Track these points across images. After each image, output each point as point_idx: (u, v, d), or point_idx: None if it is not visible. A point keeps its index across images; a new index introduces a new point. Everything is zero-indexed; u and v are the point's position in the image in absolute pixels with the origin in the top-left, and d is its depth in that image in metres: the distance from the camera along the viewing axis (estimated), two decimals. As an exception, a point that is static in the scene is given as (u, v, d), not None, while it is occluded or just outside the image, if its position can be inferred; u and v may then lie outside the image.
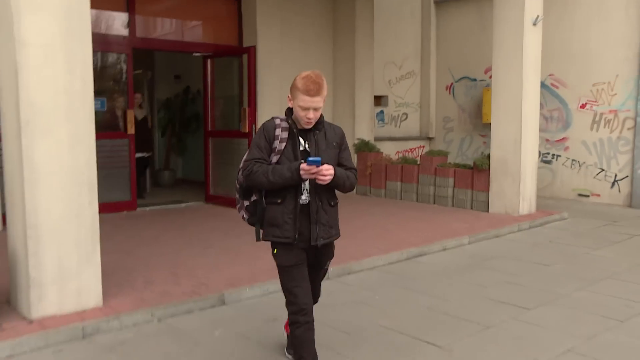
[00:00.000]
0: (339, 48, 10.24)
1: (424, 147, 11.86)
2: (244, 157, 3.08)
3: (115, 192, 7.98)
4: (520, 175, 7.91)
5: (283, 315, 3.44)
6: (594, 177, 9.73)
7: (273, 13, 9.29)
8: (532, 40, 7.86)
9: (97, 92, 8.18)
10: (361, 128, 10.18)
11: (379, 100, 11.38)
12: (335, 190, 3.09)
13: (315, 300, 3.24)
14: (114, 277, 4.81)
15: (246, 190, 3.09)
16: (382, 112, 11.44)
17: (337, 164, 3.04)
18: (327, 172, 2.83)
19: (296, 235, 2.95)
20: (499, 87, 8.05)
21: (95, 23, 7.95)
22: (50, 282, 3.94)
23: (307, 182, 2.94)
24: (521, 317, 4.28)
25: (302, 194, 2.97)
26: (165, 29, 8.95)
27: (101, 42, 7.94)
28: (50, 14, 3.86)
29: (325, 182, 2.85)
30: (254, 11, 9.12)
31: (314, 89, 2.85)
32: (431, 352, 3.67)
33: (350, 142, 10.11)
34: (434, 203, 8.98)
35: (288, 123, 2.99)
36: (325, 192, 3.01)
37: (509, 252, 6.31)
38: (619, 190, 9.43)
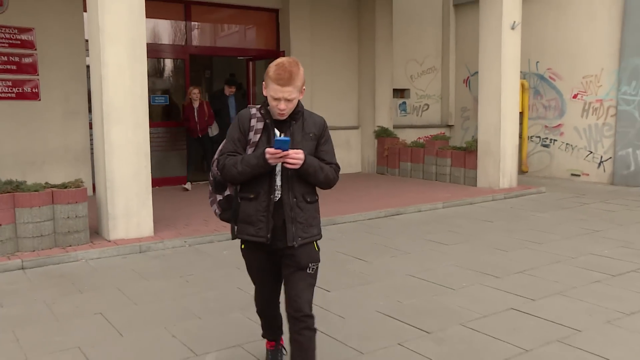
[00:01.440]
0: (362, 49, 12.06)
1: (444, 133, 13.44)
2: (220, 147, 2.93)
3: (174, 169, 10.20)
4: (500, 155, 9.47)
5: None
6: (584, 159, 11.04)
7: (304, 21, 11.24)
8: (510, 42, 9.37)
9: (162, 91, 10.57)
10: (381, 117, 11.97)
11: (402, 93, 13.11)
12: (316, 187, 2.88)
13: (297, 309, 2.76)
14: (165, 221, 6.97)
15: (219, 184, 2.91)
16: (404, 103, 13.14)
17: (317, 158, 2.80)
18: (296, 155, 2.61)
19: (268, 235, 2.75)
20: (482, 82, 9.65)
21: (159, 35, 10.23)
22: (120, 216, 6.12)
23: (278, 178, 2.74)
24: (438, 249, 6.05)
25: (276, 190, 2.76)
26: (215, 37, 11.10)
27: (164, 51, 10.24)
28: (122, 45, 6.00)
29: (294, 167, 2.64)
30: (288, 20, 11.11)
31: (284, 78, 2.60)
32: (359, 264, 5.53)
33: (371, 129, 11.95)
34: (436, 180, 10.66)
35: (261, 113, 2.77)
36: (300, 187, 2.77)
37: (470, 214, 7.98)
38: (604, 170, 10.71)
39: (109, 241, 6.08)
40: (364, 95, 12.13)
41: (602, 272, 5.15)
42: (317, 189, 2.88)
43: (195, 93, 9.59)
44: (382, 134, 11.80)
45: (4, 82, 8.47)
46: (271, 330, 3.26)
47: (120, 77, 6.01)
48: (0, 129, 8.40)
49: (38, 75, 8.73)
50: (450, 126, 13.71)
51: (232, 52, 11.36)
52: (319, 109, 11.39)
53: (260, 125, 2.76)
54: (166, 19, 10.26)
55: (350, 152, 12.17)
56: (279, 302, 3.09)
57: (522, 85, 11.64)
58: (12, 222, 5.63)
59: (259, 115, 2.78)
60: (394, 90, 12.70)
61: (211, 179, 2.96)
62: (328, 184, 2.84)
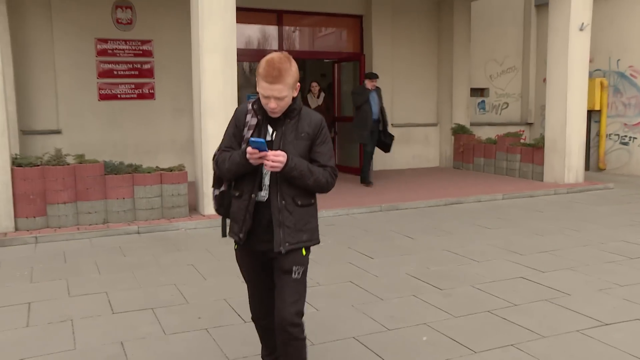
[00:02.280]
0: (441, 50, 12.79)
1: (523, 131, 13.81)
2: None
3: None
4: (565, 152, 9.90)
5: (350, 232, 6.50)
6: (662, 157, 11.11)
7: (386, 25, 12.19)
8: (578, 43, 9.77)
9: (252, 89, 11.84)
10: (458, 114, 12.65)
11: (481, 92, 13.67)
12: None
13: (282, 318, 2.63)
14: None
15: (217, 179, 2.80)
16: (483, 101, 13.69)
17: (309, 160, 2.65)
18: (275, 158, 2.47)
19: (240, 234, 2.66)
20: (549, 82, 10.12)
21: (254, 41, 11.62)
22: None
23: (267, 178, 2.63)
24: (481, 232, 6.83)
25: (260, 190, 2.64)
26: (304, 41, 12.32)
27: (259, 55, 11.59)
28: (217, 53, 7.33)
29: (273, 169, 2.50)
30: (371, 25, 12.11)
31: (273, 75, 2.46)
32: (406, 240, 6.46)
33: (448, 126, 12.67)
34: (506, 174, 11.22)
35: (254, 109, 2.66)
36: (289, 189, 2.61)
37: (525, 205, 8.59)
38: (681, 168, 10.75)
39: (203, 215, 7.45)
40: (442, 95, 12.87)
41: (621, 255, 5.74)
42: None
43: (316, 87, 11.01)
44: (459, 131, 12.47)
45: (128, 85, 10.21)
46: (267, 348, 3.02)
47: (214, 81, 7.35)
48: (125, 124, 10.13)
49: (154, 79, 10.39)
50: (529, 124, 14.05)
51: (319, 55, 12.55)
52: (399, 108, 12.38)
53: (253, 121, 2.66)
54: (261, 24, 11.62)
55: (429, 148, 12.96)
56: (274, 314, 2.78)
57: (601, 84, 11.87)
58: (132, 197, 7.14)
59: (253, 110, 2.66)
60: (473, 89, 13.32)
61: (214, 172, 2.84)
62: (320, 189, 2.67)
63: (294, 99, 2.61)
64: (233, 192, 2.72)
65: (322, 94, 11.58)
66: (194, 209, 7.75)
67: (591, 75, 11.21)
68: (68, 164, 7.01)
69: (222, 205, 2.80)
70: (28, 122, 9.52)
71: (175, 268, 5.42)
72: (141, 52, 10.31)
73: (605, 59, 12.04)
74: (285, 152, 2.52)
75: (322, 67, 15.11)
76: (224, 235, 2.82)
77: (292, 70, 2.52)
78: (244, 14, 10.64)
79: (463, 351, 3.54)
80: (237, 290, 4.58)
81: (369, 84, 9.81)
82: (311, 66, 15.49)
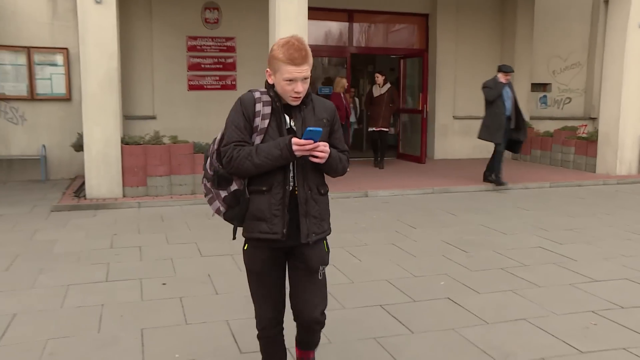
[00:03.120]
0: (503, 47, 13.39)
1: (586, 125, 14.15)
2: (217, 137, 2.62)
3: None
4: (618, 145, 10.36)
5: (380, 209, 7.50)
6: None
7: (450, 23, 12.95)
8: (635, 39, 10.15)
9: (327, 83, 12.93)
10: (518, 108, 13.20)
11: (543, 87, 14.13)
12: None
13: (309, 314, 2.60)
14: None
15: (222, 178, 2.55)
16: (545, 96, 14.14)
17: (330, 145, 2.53)
18: (325, 148, 2.41)
19: (284, 230, 2.47)
20: (605, 77, 10.59)
21: (326, 37, 12.70)
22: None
23: (291, 166, 2.49)
24: (518, 212, 7.60)
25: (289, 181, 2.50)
26: (372, 38, 13.28)
27: (331, 51, 12.68)
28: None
29: (321, 161, 2.43)
30: (436, 23, 12.91)
31: (299, 57, 2.38)
32: (449, 216, 7.35)
33: (508, 119, 13.24)
34: (560, 166, 11.75)
35: (270, 96, 2.51)
36: (314, 178, 2.56)
37: (570, 192, 9.20)
38: None
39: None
40: (503, 89, 13.46)
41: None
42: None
43: (344, 82, 11.10)
44: (518, 124, 13.04)
45: (213, 77, 11.59)
46: None
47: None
48: (211, 111, 11.51)
49: (236, 71, 11.71)
50: (593, 119, 14.35)
51: (386, 51, 13.48)
52: (462, 101, 13.13)
53: (267, 109, 2.49)
54: (333, 22, 12.69)
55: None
56: (283, 326, 2.73)
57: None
58: (215, 173, 8.45)
59: (265, 98, 2.50)
60: (535, 84, 13.81)
61: (210, 173, 2.58)
62: (342, 173, 2.66)
63: None
64: (257, 188, 2.48)
65: (387, 85, 11.37)
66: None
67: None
68: (164, 144, 8.40)
69: (233, 206, 2.55)
70: (129, 109, 11.06)
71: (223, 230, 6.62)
72: (225, 48, 11.65)
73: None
74: None
75: (391, 62, 16.01)
76: (235, 237, 2.62)
77: (309, 51, 2.46)
78: (318, 13, 11.81)
79: (469, 292, 4.49)
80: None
81: (502, 77, 9.14)
82: (379, 61, 16.42)
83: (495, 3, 13.40)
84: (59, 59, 10.34)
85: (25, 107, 10.27)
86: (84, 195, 8.09)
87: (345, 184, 8.91)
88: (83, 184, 8.50)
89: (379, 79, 11.32)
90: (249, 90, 2.57)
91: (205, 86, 11.61)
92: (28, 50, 10.10)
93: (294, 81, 2.41)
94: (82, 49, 8.00)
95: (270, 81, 2.51)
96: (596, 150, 10.84)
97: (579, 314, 4.03)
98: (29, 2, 10.05)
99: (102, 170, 8.07)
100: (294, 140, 2.37)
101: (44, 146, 10.22)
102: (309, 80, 2.47)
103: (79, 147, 8.74)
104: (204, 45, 11.57)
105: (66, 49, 10.32)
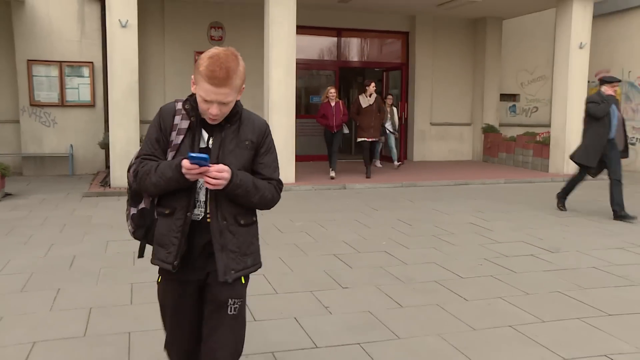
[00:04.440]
0: (475, 61, 15.08)
1: (549, 132, 15.76)
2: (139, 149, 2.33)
3: (318, 149, 14.29)
4: (565, 148, 12.00)
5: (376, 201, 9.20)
6: (660, 156, 12.88)
7: (428, 40, 14.65)
8: (577, 58, 11.83)
9: (315, 92, 14.51)
10: (488, 116, 14.90)
11: (513, 97, 15.80)
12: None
13: (217, 357, 2.26)
14: (302, 176, 11.03)
15: (135, 194, 2.31)
16: (514, 105, 15.81)
17: (252, 171, 2.26)
18: (219, 174, 2.07)
19: (175, 262, 2.19)
20: (554, 90, 12.26)
21: (317, 53, 14.40)
22: (276, 169, 10.31)
23: (202, 193, 2.21)
24: (465, 201, 9.23)
25: (195, 207, 2.20)
26: (358, 52, 14.97)
27: (321, 64, 14.40)
28: (281, 67, 10.17)
29: (214, 187, 2.11)
30: (415, 39, 14.61)
31: (219, 77, 2.06)
32: (405, 202, 9.00)
33: (479, 126, 14.94)
34: (521, 166, 13.39)
35: (185, 109, 2.22)
36: (230, 206, 2.21)
37: (519, 187, 10.83)
38: (675, 166, 12.50)
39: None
40: (475, 99, 15.17)
41: (546, 212, 8.04)
42: None
43: (332, 93, 10.94)
44: (488, 130, 14.72)
45: (217, 87, 13.29)
46: None
47: (279, 86, 10.20)
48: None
49: (237, 82, 13.40)
50: (557, 126, 15.99)
51: (371, 65, 15.18)
52: (438, 109, 14.75)
53: (184, 124, 2.22)
54: (323, 38, 14.40)
55: (463, 144, 15.28)
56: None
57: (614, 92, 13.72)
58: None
59: (184, 111, 2.24)
60: (505, 95, 15.50)
61: (128, 187, 2.38)
62: (264, 205, 2.30)
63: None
64: (161, 210, 2.26)
65: (374, 95, 11.47)
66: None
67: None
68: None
69: (142, 226, 2.32)
70: (145, 114, 12.71)
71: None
72: (229, 62, 13.35)
73: (619, 70, 13.88)
74: (227, 165, 2.14)
75: (375, 74, 17.71)
76: (140, 255, 2.39)
77: (240, 70, 2.15)
78: (309, 30, 13.58)
79: (402, 248, 6.14)
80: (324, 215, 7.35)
81: (608, 89, 7.82)
82: (365, 74, 18.12)
83: (468, 23, 15.09)
84: (86, 71, 12.07)
85: (56, 112, 11.98)
86: (109, 185, 9.77)
87: (329, 180, 10.60)
88: (107, 175, 10.19)
89: (371, 88, 11.22)
90: (175, 100, 2.30)
91: (210, 95, 13.30)
92: (60, 64, 11.84)
93: (210, 102, 2.11)
94: (109, 64, 9.71)
95: (192, 90, 2.19)
96: (549, 153, 12.49)
97: (476, 259, 5.67)
98: (62, 23, 11.78)
99: (124, 164, 9.74)
100: (183, 162, 2.08)
101: (71, 145, 11.92)
102: (232, 103, 2.17)
103: (104, 145, 10.45)
104: (209, 59, 13.26)
105: (92, 63, 12.04)
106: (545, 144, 12.63)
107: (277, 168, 2.37)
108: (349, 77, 17.20)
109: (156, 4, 12.63)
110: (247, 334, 2.42)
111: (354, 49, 14.91)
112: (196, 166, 2.07)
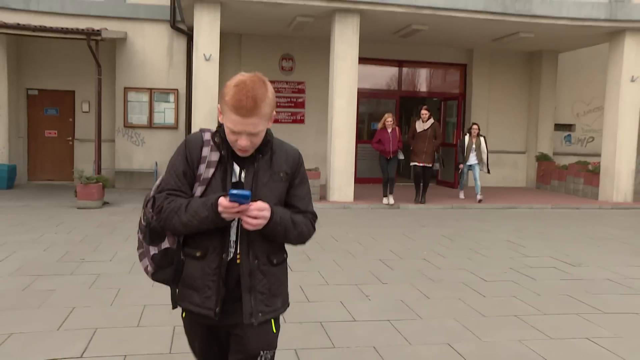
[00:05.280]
0: (531, 92, 15.75)
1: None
2: (157, 181, 2.16)
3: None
4: (615, 176, 12.48)
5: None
6: None
7: (484, 72, 15.49)
8: (628, 91, 12.35)
9: (377, 119, 15.43)
10: (542, 145, 15.48)
11: (568, 127, 16.30)
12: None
13: None
14: (360, 196, 12.07)
15: (154, 233, 2.12)
16: (569, 135, 16.29)
17: (285, 204, 2.14)
18: (259, 213, 1.94)
19: (217, 309, 2.05)
20: (605, 122, 12.79)
21: (379, 83, 15.51)
22: (336, 189, 11.42)
23: (232, 230, 2.06)
24: (509, 221, 9.98)
25: (229, 247, 2.06)
26: (418, 82, 15.96)
27: (383, 94, 15.50)
28: (344, 98, 11.34)
29: (255, 228, 1.96)
30: (472, 71, 15.48)
31: (247, 107, 1.93)
32: (451, 221, 9.85)
33: (533, 154, 15.53)
34: (572, 194, 13.88)
35: (215, 142, 2.07)
36: (263, 245, 2.08)
37: (564, 213, 11.42)
38: None
39: (329, 201, 11.43)
40: (529, 128, 15.81)
41: (589, 237, 8.70)
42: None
43: (389, 120, 11.18)
44: (542, 159, 15.29)
45: (286, 113, 14.63)
46: None
47: (341, 113, 11.36)
48: (285, 140, 14.49)
49: (305, 109, 14.71)
50: (614, 156, 16.31)
51: (429, 94, 16.14)
52: (494, 137, 15.47)
53: (215, 156, 2.05)
54: (386, 69, 15.51)
55: (517, 171, 15.89)
56: None
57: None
58: (284, 185, 11.35)
59: (212, 143, 2.07)
60: (561, 125, 16.04)
61: (143, 224, 2.16)
62: (300, 241, 2.15)
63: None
64: (190, 252, 2.10)
65: (431, 120, 11.61)
66: (323, 196, 11.78)
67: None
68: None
69: (164, 266, 2.13)
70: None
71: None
72: (297, 90, 14.70)
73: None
74: (261, 199, 2.00)
75: (433, 104, 18.61)
76: (174, 307, 2.18)
77: (269, 97, 2.00)
78: (373, 62, 14.73)
79: (440, 258, 7.05)
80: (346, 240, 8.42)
81: None
82: (423, 103, 19.05)
83: (524, 55, 15.81)
84: (171, 97, 13.68)
85: (145, 133, 13.63)
86: (190, 197, 11.17)
87: (380, 198, 11.61)
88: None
89: (425, 115, 11.54)
90: (200, 130, 2.15)
91: (279, 120, 14.65)
92: (150, 91, 13.51)
93: (239, 134, 1.99)
94: (194, 92, 11.19)
95: (220, 120, 2.07)
96: (599, 181, 12.98)
97: (503, 268, 6.51)
98: (154, 56, 13.47)
99: (203, 179, 11.13)
100: (220, 201, 1.94)
101: (156, 163, 13.49)
102: (262, 133, 2.05)
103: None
104: (280, 87, 14.65)
105: (177, 89, 13.64)
106: (595, 172, 13.13)
107: (310, 200, 2.23)
108: (409, 106, 18.16)
109: (235, 38, 14.16)
110: (299, 310, 3.44)
111: (414, 79, 15.92)
112: (236, 204, 1.91)
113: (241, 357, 2.12)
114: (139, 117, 13.62)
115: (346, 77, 11.36)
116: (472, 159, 12.28)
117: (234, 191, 1.89)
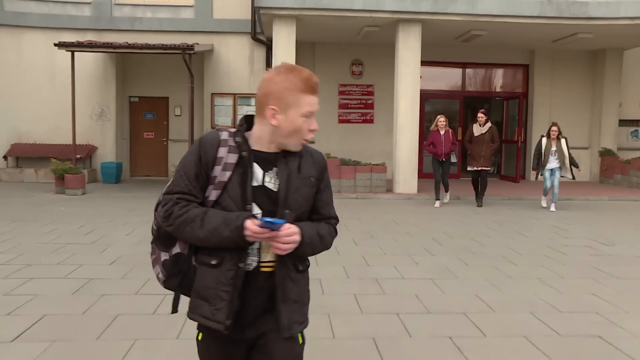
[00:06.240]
0: (595, 89, 16.18)
1: (674, 156, 16.27)
2: (168, 183, 2.01)
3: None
4: (674, 170, 12.87)
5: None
6: None
7: (546, 72, 16.11)
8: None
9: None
10: (605, 140, 15.90)
11: (636, 122, 16.58)
12: None
13: None
14: (422, 188, 13.13)
15: (166, 237, 1.99)
16: (636, 130, 16.57)
17: (311, 210, 2.04)
18: (290, 238, 1.85)
19: (227, 322, 1.90)
20: (665, 116, 13.17)
21: (445, 84, 16.46)
22: (401, 181, 12.56)
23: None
24: (561, 213, 10.75)
25: (248, 255, 1.92)
26: (480, 83, 16.76)
27: (447, 94, 16.46)
28: (407, 99, 12.47)
29: (284, 253, 1.88)
30: (534, 71, 16.13)
31: (317, 81, 1.91)
32: (471, 213, 10.75)
33: (596, 149, 15.98)
34: (635, 188, 14.28)
35: (236, 141, 1.92)
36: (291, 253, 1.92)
37: (620, 205, 11.98)
38: None
39: (395, 193, 12.58)
40: (593, 125, 16.25)
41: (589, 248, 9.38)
42: None
43: (441, 121, 11.04)
44: (605, 154, 15.73)
45: (356, 113, 15.89)
46: None
47: (405, 113, 12.49)
48: (353, 139, 15.78)
49: (374, 110, 15.91)
50: (682, 150, 16.45)
51: (492, 94, 16.91)
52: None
53: (232, 158, 1.90)
54: (449, 70, 16.44)
55: (581, 166, 16.33)
56: None
57: None
58: (354, 179, 12.60)
59: (232, 142, 1.92)
60: (627, 120, 16.37)
61: (154, 228, 2.05)
62: (324, 250, 2.06)
63: None
64: (204, 259, 1.94)
65: (488, 124, 11.42)
66: (389, 189, 12.94)
67: None
68: (321, 158, 12.75)
69: (177, 274, 1.98)
70: (297, 136, 15.67)
71: (381, 215, 10.61)
72: (366, 92, 15.93)
73: None
74: (293, 204, 1.93)
75: (496, 103, 19.27)
76: (174, 311, 2.03)
77: None
78: (438, 64, 15.73)
79: (484, 242, 8.08)
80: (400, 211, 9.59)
81: None
82: (487, 102, 19.75)
83: (587, 54, 16.28)
84: (252, 101, 15.25)
85: (230, 133, 15.27)
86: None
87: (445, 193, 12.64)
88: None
89: (482, 118, 11.34)
90: (215, 128, 2.01)
91: (350, 120, 15.93)
92: (234, 96, 15.16)
93: (313, 114, 1.91)
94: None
95: (274, 123, 1.88)
96: (661, 174, 13.40)
97: (540, 246, 7.47)
98: (237, 65, 15.12)
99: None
100: (248, 225, 1.82)
101: (240, 160, 15.08)
102: None
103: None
104: (350, 90, 15.92)
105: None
106: (657, 166, 13.54)
107: (333, 204, 2.12)
108: (473, 105, 18.96)
109: (309, 47, 15.57)
110: (360, 271, 4.63)
111: (477, 80, 16.75)
112: (266, 230, 1.81)
113: None
114: (224, 119, 15.29)
115: (409, 80, 12.48)
116: (553, 163, 10.86)
117: (268, 219, 1.81)
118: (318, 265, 6.04)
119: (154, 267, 2.05)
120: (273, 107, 1.87)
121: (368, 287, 5.46)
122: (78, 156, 13.50)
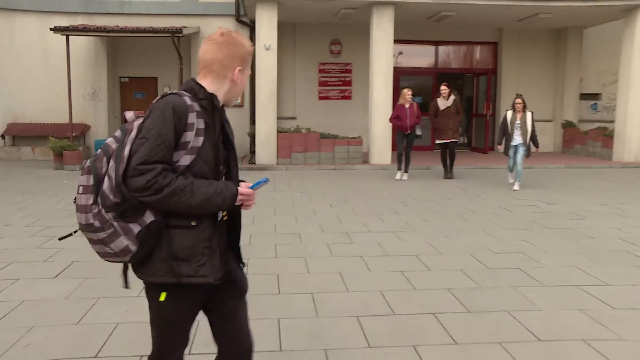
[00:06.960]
0: (557, 65, 17.30)
1: (632, 127, 17.47)
2: (124, 151, 1.94)
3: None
4: (625, 139, 14.06)
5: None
6: None
7: (513, 49, 17.17)
8: (639, 62, 13.86)
9: (416, 94, 17.51)
10: (568, 113, 17.08)
11: (595, 96, 17.76)
12: None
13: (249, 345, 2.28)
14: (396, 162, 14.22)
15: (134, 208, 1.95)
16: (595, 104, 17.75)
17: None
18: (254, 195, 2.17)
19: (219, 274, 2.09)
20: (619, 90, 14.32)
21: (418, 61, 17.46)
22: (376, 153, 13.63)
23: None
24: (524, 178, 11.91)
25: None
26: (452, 60, 17.78)
27: (421, 71, 17.47)
28: (381, 76, 13.47)
29: (248, 209, 2.19)
30: (502, 48, 17.18)
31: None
32: (438, 178, 11.89)
33: (559, 122, 17.15)
34: (591, 156, 15.50)
35: (202, 105, 2.01)
36: None
37: (576, 172, 13.17)
38: None
39: (370, 164, 13.64)
40: (556, 99, 17.41)
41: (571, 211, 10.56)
42: None
43: (409, 95, 11.26)
44: (567, 126, 16.91)
45: (335, 90, 16.86)
46: None
47: (379, 91, 13.49)
48: (333, 115, 16.76)
49: (352, 87, 16.88)
50: (638, 122, 17.64)
51: (463, 71, 17.96)
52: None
53: (201, 123, 1.99)
54: (422, 48, 17.44)
55: (545, 138, 17.51)
56: None
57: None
58: (332, 151, 13.63)
59: (197, 108, 1.99)
60: (587, 94, 17.53)
61: (113, 201, 1.94)
62: None
63: None
64: (182, 222, 2.00)
65: (452, 97, 11.67)
66: (365, 160, 13.99)
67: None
68: (302, 133, 13.74)
69: (149, 242, 1.99)
70: (280, 112, 16.60)
71: (356, 184, 11.68)
72: (345, 70, 16.88)
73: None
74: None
75: (466, 79, 20.32)
76: (126, 286, 2.14)
77: None
78: (412, 42, 16.70)
79: (445, 204, 9.19)
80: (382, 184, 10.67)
81: None
82: (457, 79, 20.80)
83: (551, 32, 17.35)
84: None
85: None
86: (255, 162, 13.65)
87: (416, 163, 13.74)
88: (253, 156, 14.08)
89: (445, 91, 11.44)
90: (175, 93, 2.01)
91: (330, 97, 16.89)
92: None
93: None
94: (257, 76, 13.56)
95: (238, 82, 2.12)
96: (612, 143, 14.58)
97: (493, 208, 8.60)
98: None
99: (266, 148, 13.58)
100: (242, 189, 2.08)
101: (226, 136, 16.02)
102: None
103: (252, 135, 14.38)
104: (329, 68, 16.85)
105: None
106: (610, 136, 14.72)
107: None
108: (446, 81, 19.97)
109: (290, 27, 16.43)
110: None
111: (450, 57, 17.77)
112: (255, 192, 2.03)
113: (238, 300, 2.27)
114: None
115: (383, 59, 13.46)
116: (517, 139, 10.37)
117: (256, 183, 2.08)
118: (297, 223, 7.09)
119: (110, 243, 1.98)
120: (240, 67, 2.11)
121: (339, 238, 6.53)
122: (73, 134, 14.35)
